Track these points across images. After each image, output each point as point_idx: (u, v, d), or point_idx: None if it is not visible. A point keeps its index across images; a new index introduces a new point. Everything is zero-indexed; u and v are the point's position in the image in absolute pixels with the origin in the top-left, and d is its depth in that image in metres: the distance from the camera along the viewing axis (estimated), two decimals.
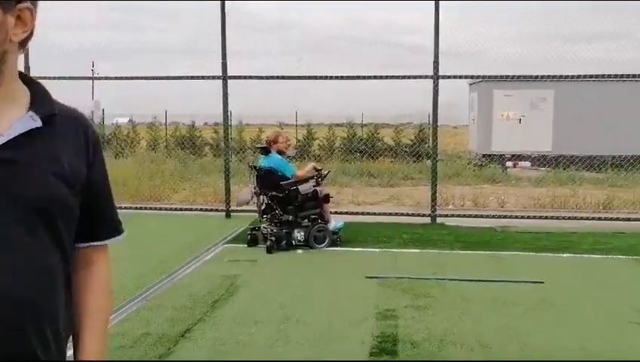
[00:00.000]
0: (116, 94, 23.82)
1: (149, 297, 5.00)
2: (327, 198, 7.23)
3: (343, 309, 4.73)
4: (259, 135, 22.15)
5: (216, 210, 9.35)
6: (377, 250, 7.02)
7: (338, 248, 7.07)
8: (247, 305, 4.84)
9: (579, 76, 8.71)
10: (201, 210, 9.37)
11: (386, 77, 8.68)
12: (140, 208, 9.87)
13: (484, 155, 20.43)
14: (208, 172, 15.59)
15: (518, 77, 9.12)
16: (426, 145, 22.08)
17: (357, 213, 8.99)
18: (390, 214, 8.99)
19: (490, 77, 8.66)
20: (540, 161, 20.51)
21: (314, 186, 7.09)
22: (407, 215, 8.95)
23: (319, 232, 7.04)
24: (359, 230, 8.12)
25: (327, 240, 7.05)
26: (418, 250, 6.99)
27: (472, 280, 5.61)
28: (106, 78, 10.14)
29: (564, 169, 18.03)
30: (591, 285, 5.61)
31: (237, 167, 15.18)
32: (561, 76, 8.96)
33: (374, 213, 9.06)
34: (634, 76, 8.69)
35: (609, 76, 9.40)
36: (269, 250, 6.73)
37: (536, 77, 9.12)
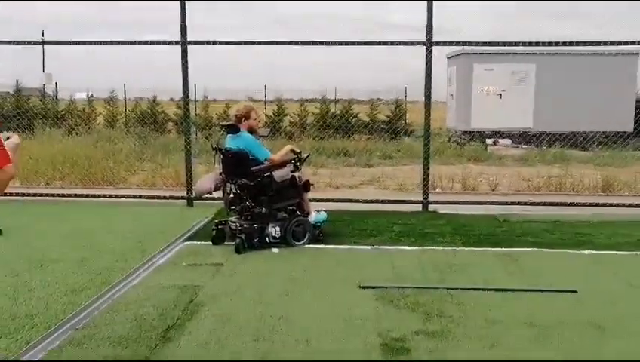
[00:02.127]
0: (72, 66, 22.05)
1: (79, 324, 3.79)
2: (307, 186, 6.07)
3: (336, 338, 3.61)
4: (225, 111, 20.78)
5: (176, 198, 8.10)
6: (367, 247, 5.91)
7: (321, 245, 5.94)
8: (210, 334, 3.68)
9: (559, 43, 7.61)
10: (158, 197, 8.10)
11: (377, 43, 7.47)
12: (88, 195, 8.56)
13: (463, 132, 19.50)
14: (171, 150, 14.25)
15: (516, 43, 7.99)
16: (402, 122, 21.12)
17: (339, 200, 7.84)
18: (378, 201, 7.86)
19: (484, 43, 7.53)
20: (520, 138, 19.70)
21: (292, 172, 5.91)
22: (398, 202, 7.84)
23: (298, 226, 5.89)
24: (342, 220, 7.01)
25: (307, 236, 5.92)
26: (416, 248, 5.90)
27: (489, 290, 4.55)
28: (57, 43, 8.67)
29: (549, 146, 17.22)
30: (635, 294, 4.60)
31: (202, 146, 13.91)
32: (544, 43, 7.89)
33: (359, 200, 7.92)
34: (619, 44, 7.67)
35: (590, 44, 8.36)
36: (238, 249, 5.56)
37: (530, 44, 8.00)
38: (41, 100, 21.24)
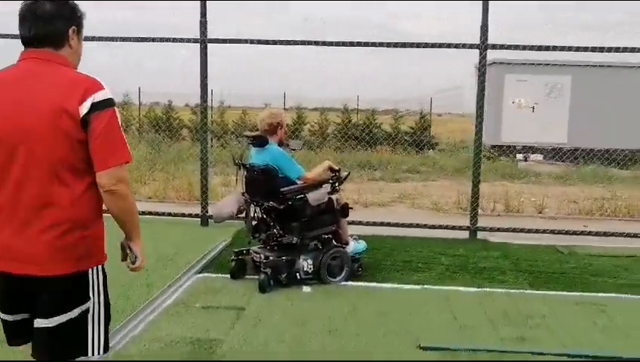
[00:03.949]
0: (85, 69, 21.34)
1: None
2: (345, 210, 5.08)
3: None
4: (242, 118, 19.88)
5: (189, 215, 7.15)
6: (417, 286, 4.91)
7: (361, 283, 4.95)
8: None
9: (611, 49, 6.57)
10: (169, 214, 7.14)
11: (425, 45, 6.50)
12: None
13: (492, 146, 18.43)
14: (184, 159, 13.35)
15: (573, 47, 6.90)
16: (427, 134, 20.08)
17: (376, 224, 6.82)
18: (420, 226, 6.84)
19: (541, 48, 6.54)
20: (553, 154, 18.58)
21: (328, 194, 4.94)
22: (442, 228, 6.82)
23: (334, 260, 4.91)
24: (379, 248, 6.02)
25: (345, 272, 4.94)
26: (475, 289, 4.89)
27: (587, 358, 3.54)
28: None
29: (586, 164, 16.11)
30: None
31: (218, 155, 13.01)
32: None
33: (398, 224, 6.89)
34: None
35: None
36: (263, 288, 4.59)
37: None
38: None
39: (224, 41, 6.96)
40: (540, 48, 6.63)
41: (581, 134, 17.32)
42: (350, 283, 4.92)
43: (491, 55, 6.77)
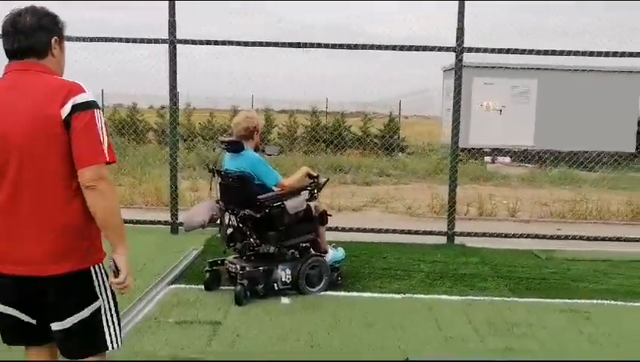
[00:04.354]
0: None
1: None
2: (324, 218, 4.92)
3: None
4: (210, 120, 19.52)
5: (159, 223, 6.88)
6: (398, 296, 4.77)
7: (341, 293, 4.79)
8: None
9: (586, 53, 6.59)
10: (137, 222, 6.84)
11: (401, 47, 6.36)
12: None
13: (461, 150, 18.49)
14: (151, 163, 12.97)
15: (550, 52, 6.87)
16: (396, 138, 20.05)
17: (352, 230, 6.67)
18: (403, 232, 6.69)
19: (517, 50, 6.48)
20: (520, 156, 18.76)
21: (307, 201, 4.76)
22: (420, 233, 6.70)
23: (313, 269, 4.73)
24: (357, 256, 5.86)
25: (324, 281, 4.76)
26: (457, 297, 4.77)
27: None
28: None
29: (555, 166, 16.29)
30: None
31: (185, 158, 12.71)
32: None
33: (374, 230, 6.75)
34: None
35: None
36: (239, 299, 4.38)
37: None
38: None
39: (194, 42, 6.72)
40: (515, 51, 6.58)
41: (548, 137, 17.55)
42: (329, 293, 4.75)
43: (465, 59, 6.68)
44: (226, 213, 4.66)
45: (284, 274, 4.60)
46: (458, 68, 6.54)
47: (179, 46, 6.57)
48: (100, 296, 2.16)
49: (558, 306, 4.61)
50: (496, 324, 4.16)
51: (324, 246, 4.91)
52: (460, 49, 6.42)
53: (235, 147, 4.57)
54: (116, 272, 2.12)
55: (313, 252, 4.83)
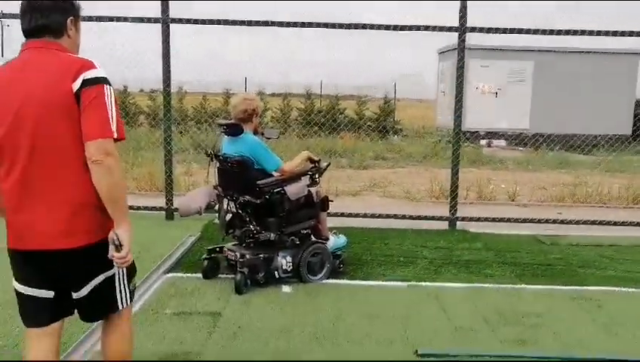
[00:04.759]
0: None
1: None
2: (325, 204, 4.75)
3: None
4: (202, 104, 19.23)
5: (153, 209, 6.69)
6: (403, 283, 4.62)
7: (344, 281, 4.64)
8: None
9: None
10: (131, 207, 6.60)
11: (402, 27, 6.15)
12: None
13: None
14: (143, 147, 12.72)
15: (556, 31, 6.64)
16: (391, 120, 19.85)
17: (352, 215, 6.50)
18: (398, 217, 6.55)
19: (521, 30, 6.29)
20: (516, 139, 18.64)
21: (308, 186, 4.58)
22: (422, 218, 6.55)
23: (314, 256, 4.57)
24: (359, 242, 5.71)
25: (326, 269, 4.61)
26: (463, 285, 4.63)
27: None
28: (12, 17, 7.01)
29: (551, 150, 16.18)
30: None
31: (179, 142, 12.48)
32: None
33: (377, 215, 6.58)
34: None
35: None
36: (239, 288, 4.23)
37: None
38: None
39: (188, 21, 6.48)
40: (520, 31, 6.39)
41: (543, 120, 17.41)
42: (332, 281, 4.59)
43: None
44: (225, 199, 4.47)
45: (284, 261, 4.44)
46: (461, 49, 6.35)
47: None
48: (115, 264, 2.20)
49: (567, 293, 4.48)
50: (506, 313, 4.02)
51: (325, 233, 4.75)
52: (462, 29, 6.23)
53: (233, 130, 4.37)
54: (119, 247, 2.12)
55: (314, 239, 4.66)
